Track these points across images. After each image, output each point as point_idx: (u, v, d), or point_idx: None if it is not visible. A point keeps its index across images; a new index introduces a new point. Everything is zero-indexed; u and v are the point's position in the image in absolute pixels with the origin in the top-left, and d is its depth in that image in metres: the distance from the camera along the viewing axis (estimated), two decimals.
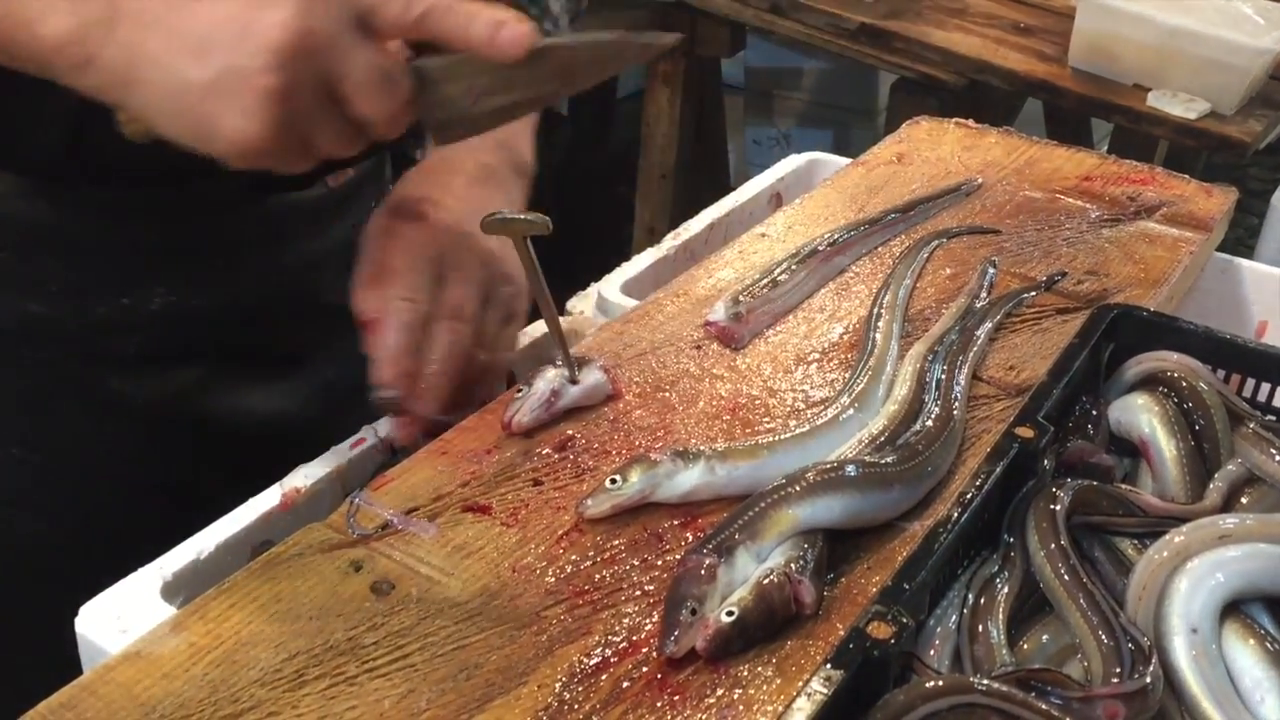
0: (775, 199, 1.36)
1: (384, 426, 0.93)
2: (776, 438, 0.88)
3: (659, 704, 0.70)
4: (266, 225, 1.01)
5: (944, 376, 0.95)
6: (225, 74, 0.69)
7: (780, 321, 1.06)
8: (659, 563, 0.80)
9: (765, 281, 1.07)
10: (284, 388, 1.10)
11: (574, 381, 0.92)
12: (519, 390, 0.92)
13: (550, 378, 0.91)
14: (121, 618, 0.76)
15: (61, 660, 0.75)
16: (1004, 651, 0.72)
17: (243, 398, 1.08)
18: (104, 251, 0.96)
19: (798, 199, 1.29)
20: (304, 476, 0.88)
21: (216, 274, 1.02)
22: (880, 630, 0.67)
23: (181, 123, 0.71)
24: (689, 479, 0.83)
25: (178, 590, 0.79)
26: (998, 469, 0.80)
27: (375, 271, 0.89)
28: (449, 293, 0.90)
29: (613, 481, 0.83)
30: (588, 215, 1.03)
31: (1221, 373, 0.95)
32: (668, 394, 0.96)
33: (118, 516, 1.03)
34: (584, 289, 1.17)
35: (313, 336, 1.09)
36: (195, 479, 1.05)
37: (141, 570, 0.80)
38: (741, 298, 1.04)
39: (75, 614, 0.78)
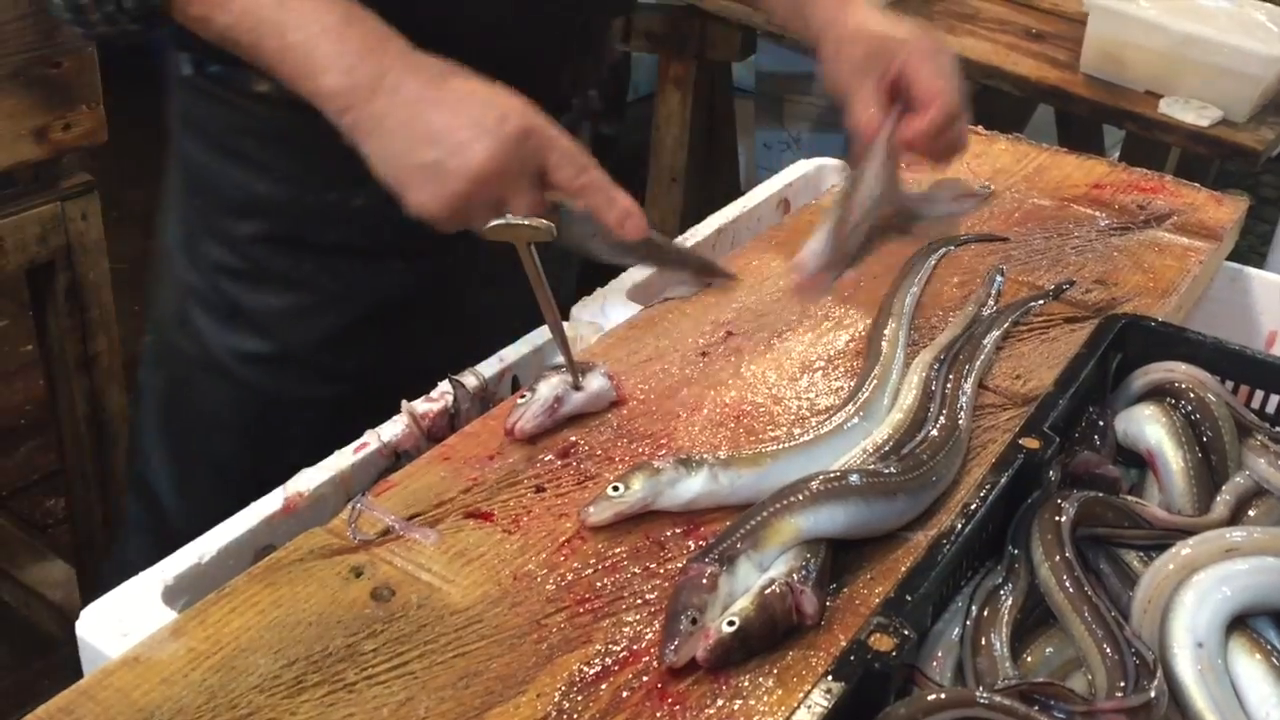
0: (784, 204, 1.36)
1: (387, 430, 0.93)
2: (780, 446, 0.87)
3: (659, 714, 0.69)
4: None
5: (950, 385, 0.95)
6: (435, 166, 0.91)
7: (791, 332, 1.06)
8: (661, 571, 0.79)
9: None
10: (456, 317, 1.21)
11: (577, 388, 0.92)
12: (522, 396, 0.91)
13: (554, 384, 0.91)
14: (123, 621, 0.76)
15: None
16: (1007, 664, 0.71)
17: (419, 315, 1.20)
18: (323, 150, 1.04)
19: (806, 204, 1.28)
20: (307, 480, 0.88)
21: None
22: (882, 642, 0.66)
23: (388, 175, 0.93)
24: (692, 487, 0.83)
25: (179, 594, 0.79)
26: (1003, 479, 0.79)
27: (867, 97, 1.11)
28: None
29: (615, 489, 0.82)
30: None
31: (1230, 384, 0.95)
32: (672, 401, 0.96)
33: (293, 395, 1.20)
34: (590, 294, 1.16)
35: (498, 269, 1.12)
36: (366, 377, 1.19)
37: (143, 574, 0.80)
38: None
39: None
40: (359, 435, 0.93)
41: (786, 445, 0.87)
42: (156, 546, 0.91)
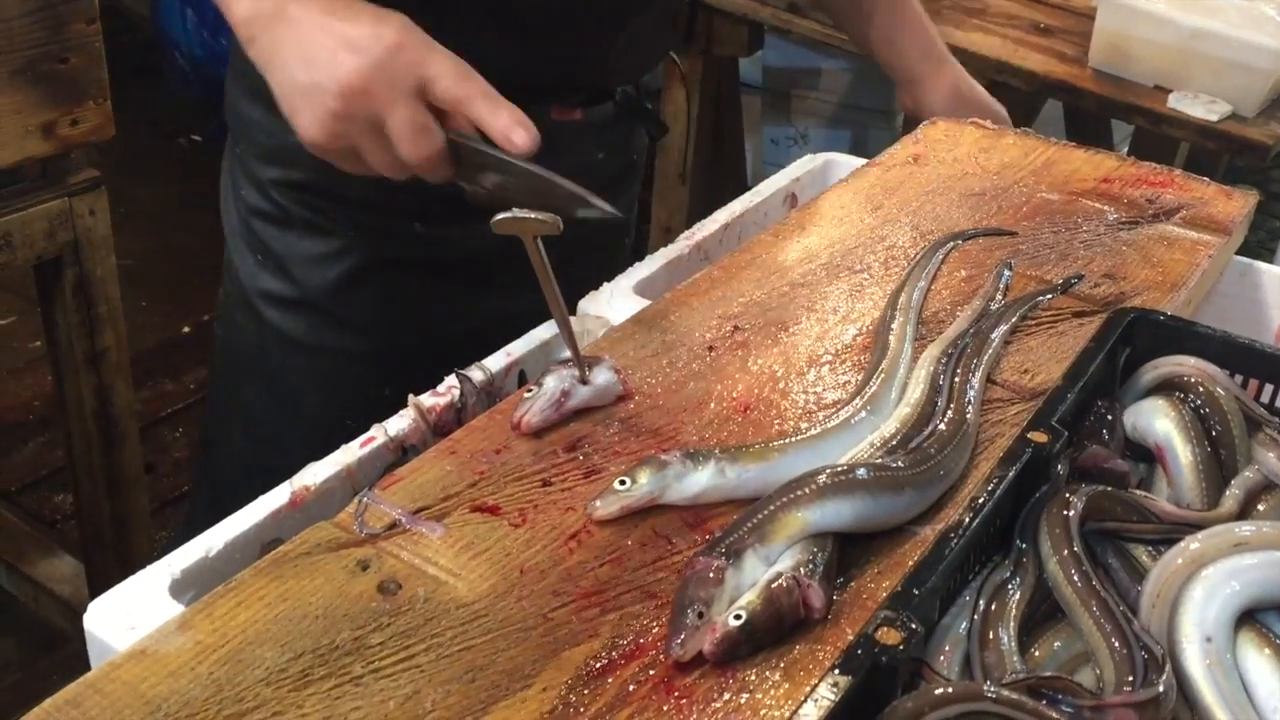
0: (790, 199, 1.35)
1: (394, 425, 0.93)
2: (787, 440, 0.87)
3: (665, 707, 0.69)
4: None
5: (958, 379, 0.95)
6: (311, 86, 0.92)
7: (798, 326, 1.06)
8: (667, 565, 0.79)
9: None
10: (479, 278, 1.26)
11: (584, 381, 0.92)
12: (529, 390, 0.91)
13: (560, 378, 0.91)
14: (130, 615, 0.76)
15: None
16: (1015, 658, 0.71)
17: (438, 275, 1.25)
18: None
19: (813, 199, 1.28)
20: (313, 475, 0.88)
21: None
22: (889, 636, 0.66)
23: (283, 105, 0.95)
24: (699, 481, 0.83)
25: (186, 587, 0.79)
26: (1011, 473, 0.79)
27: None
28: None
29: (622, 483, 0.82)
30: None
31: (1239, 378, 0.94)
32: (679, 395, 0.95)
33: (313, 344, 1.27)
34: (598, 289, 1.16)
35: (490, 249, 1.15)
36: (390, 330, 1.26)
37: (150, 567, 0.80)
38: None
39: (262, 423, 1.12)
40: (369, 392, 0.94)
41: (793, 439, 0.87)
42: (208, 501, 0.96)
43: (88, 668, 0.73)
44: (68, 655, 2.19)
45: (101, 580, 2.01)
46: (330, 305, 1.26)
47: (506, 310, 1.10)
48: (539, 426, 0.90)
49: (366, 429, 0.92)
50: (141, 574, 0.79)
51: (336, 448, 0.90)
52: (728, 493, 0.84)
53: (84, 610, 0.78)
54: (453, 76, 0.93)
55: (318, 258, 1.25)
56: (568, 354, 0.94)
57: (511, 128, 0.92)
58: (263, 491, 0.86)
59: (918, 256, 1.15)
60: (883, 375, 0.95)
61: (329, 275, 1.25)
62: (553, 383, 0.91)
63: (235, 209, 1.30)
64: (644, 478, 0.82)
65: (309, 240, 1.25)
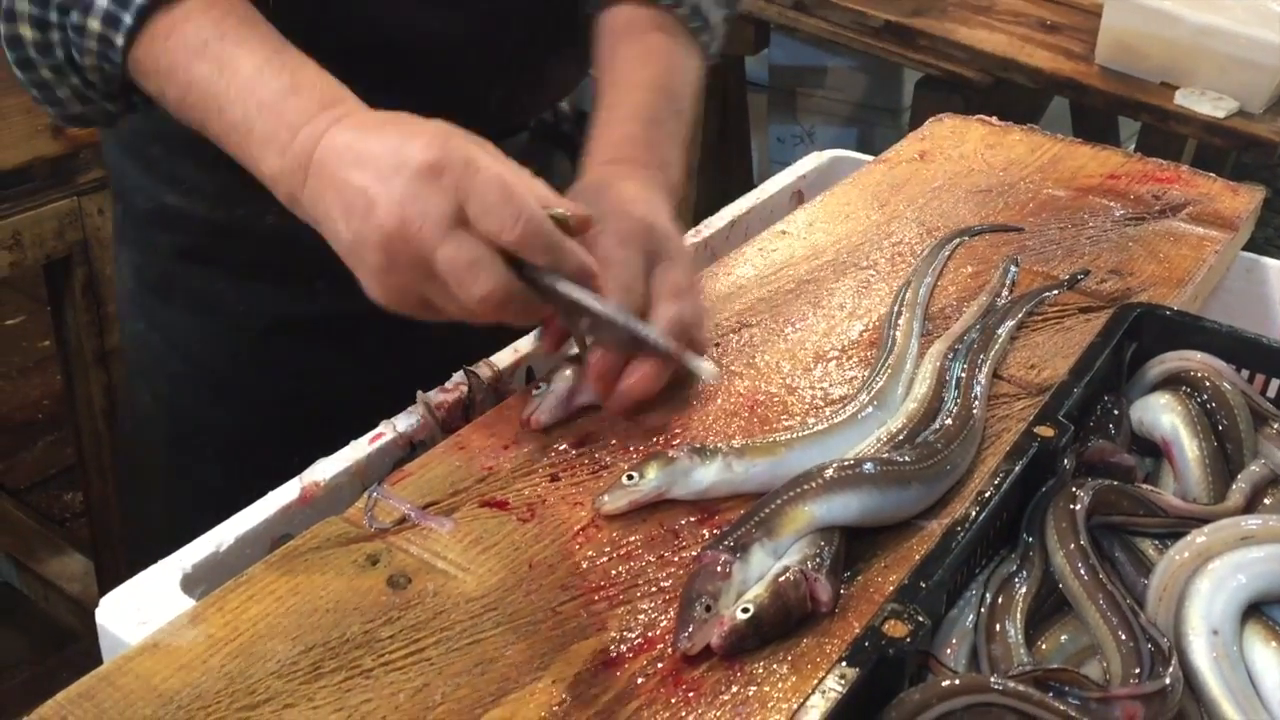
0: (797, 196, 1.36)
1: (402, 421, 0.93)
2: (794, 435, 0.87)
3: (673, 700, 0.69)
4: None
5: (964, 375, 0.95)
6: (355, 240, 0.80)
7: (804, 322, 1.06)
8: (675, 559, 0.80)
9: None
10: (377, 346, 1.12)
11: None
12: (537, 388, 0.92)
13: (569, 375, 0.91)
14: (141, 609, 0.77)
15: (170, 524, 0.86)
16: (1022, 651, 0.71)
17: (341, 338, 1.12)
18: (228, 163, 0.99)
19: (819, 196, 1.29)
20: (323, 470, 0.88)
21: None
22: (896, 629, 0.66)
23: (347, 263, 0.82)
24: (706, 476, 0.83)
25: (197, 582, 0.80)
26: (1017, 468, 0.79)
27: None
28: (672, 278, 0.90)
29: (630, 478, 0.83)
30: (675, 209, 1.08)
31: (1246, 373, 0.94)
32: (686, 390, 0.96)
33: (205, 416, 1.15)
34: None
35: None
36: (285, 404, 1.13)
37: (161, 562, 0.80)
38: None
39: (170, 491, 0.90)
40: (273, 466, 0.85)
41: (801, 434, 0.87)
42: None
43: (98, 665, 0.73)
44: (77, 653, 2.20)
45: (111, 578, 2.02)
46: (223, 376, 1.13)
47: (414, 368, 0.96)
48: (548, 424, 0.90)
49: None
50: (153, 569, 0.80)
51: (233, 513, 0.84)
52: (735, 487, 0.84)
53: (94, 608, 0.78)
54: (500, 215, 0.77)
55: (211, 331, 1.12)
56: (575, 350, 0.94)
57: (582, 277, 0.82)
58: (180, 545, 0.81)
59: (924, 252, 1.15)
60: (889, 370, 0.95)
61: (223, 351, 1.12)
62: (562, 382, 0.91)
63: (122, 273, 1.17)
64: (652, 473, 0.83)
65: (200, 314, 1.11)
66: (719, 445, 0.85)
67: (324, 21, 0.91)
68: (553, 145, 1.22)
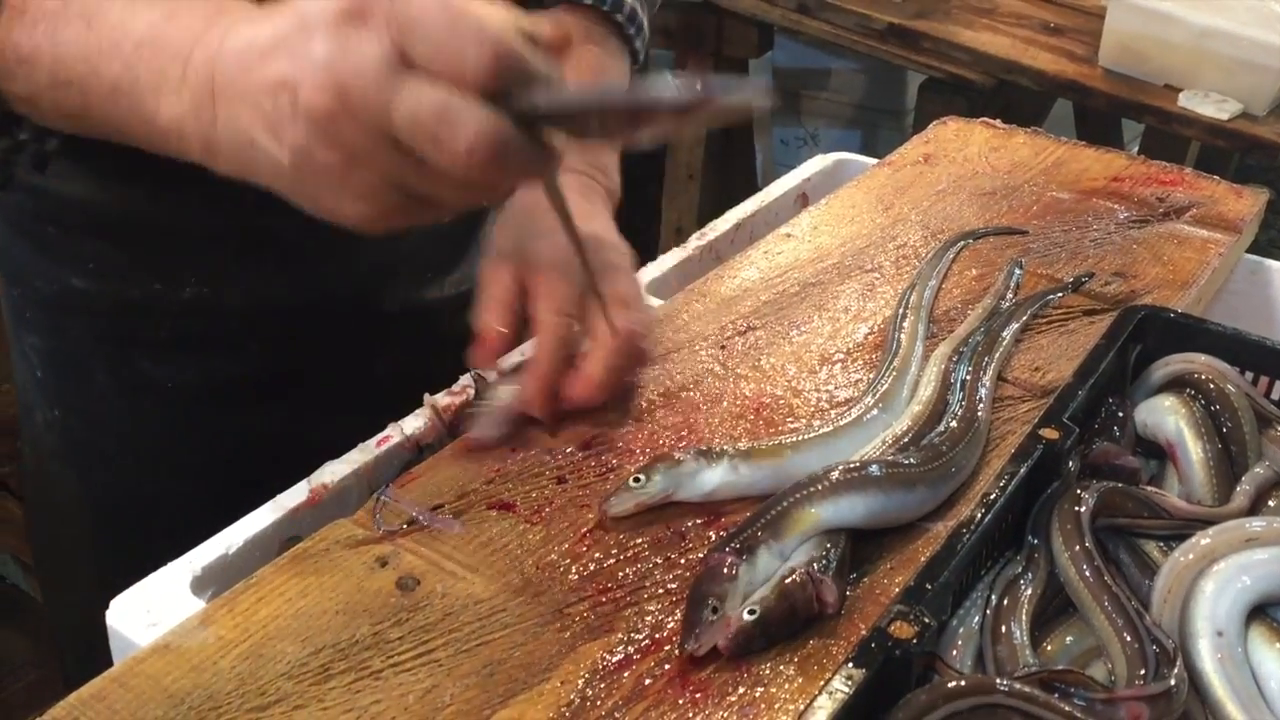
0: (801, 199, 1.36)
1: (410, 424, 0.94)
2: (800, 437, 0.88)
3: (680, 701, 0.70)
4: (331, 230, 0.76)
5: (969, 377, 0.95)
6: (297, 154, 0.62)
7: (809, 325, 1.06)
8: (682, 561, 0.80)
9: None
10: (323, 396, 1.09)
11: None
12: (472, 405, 0.91)
13: (506, 391, 0.91)
14: (151, 611, 0.77)
15: (91, 624, 0.76)
16: (1027, 652, 0.72)
17: (275, 397, 1.07)
18: (141, 237, 0.96)
19: (824, 199, 1.29)
20: (331, 473, 0.89)
21: (249, 270, 1.01)
22: (902, 630, 0.67)
23: (303, 203, 0.66)
24: (712, 479, 0.84)
25: (207, 584, 0.80)
26: (1022, 470, 0.80)
27: (502, 294, 0.89)
28: (615, 287, 0.88)
29: (636, 480, 0.83)
30: (615, 215, 1.05)
31: (1250, 375, 0.95)
32: (692, 393, 0.96)
33: (144, 493, 1.07)
34: None
35: (363, 344, 1.08)
36: (224, 468, 1.06)
37: (171, 564, 0.81)
38: None
39: (104, 573, 0.79)
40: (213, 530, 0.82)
41: (806, 436, 0.88)
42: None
43: (106, 667, 0.74)
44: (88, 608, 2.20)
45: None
46: (163, 452, 1.05)
47: (355, 419, 0.90)
48: (490, 442, 0.89)
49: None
50: (162, 571, 0.80)
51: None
52: (741, 490, 0.84)
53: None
54: (447, 38, 0.60)
55: (136, 410, 1.04)
56: (515, 361, 0.93)
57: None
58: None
59: (929, 255, 1.16)
60: (894, 373, 0.96)
61: (153, 423, 1.04)
62: (498, 399, 0.90)
63: (25, 360, 1.07)
64: (658, 475, 0.83)
65: (121, 395, 1.03)
66: (725, 448, 0.85)
67: None
68: None
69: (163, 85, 0.66)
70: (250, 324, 1.00)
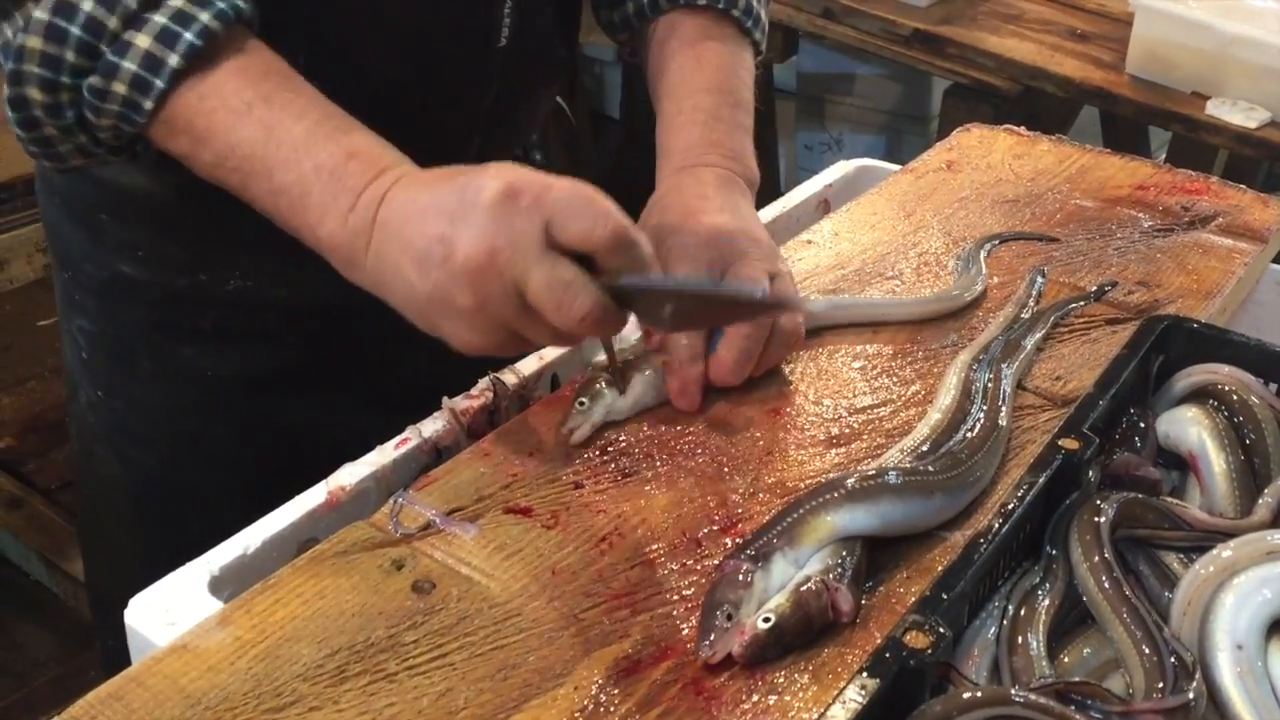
0: (823, 205, 1.36)
1: (428, 427, 0.94)
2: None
3: (695, 708, 0.70)
4: None
5: (989, 385, 0.95)
6: (437, 290, 0.78)
7: (829, 331, 1.06)
8: (697, 567, 0.80)
9: None
10: (352, 392, 1.11)
11: (621, 390, 0.93)
12: (581, 402, 0.91)
13: (610, 395, 0.92)
14: (170, 611, 0.78)
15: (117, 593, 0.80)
16: (1044, 664, 0.71)
17: (309, 391, 1.10)
18: (192, 230, 1.00)
19: (845, 206, 1.29)
20: (349, 475, 0.89)
21: (291, 270, 1.01)
22: (917, 640, 0.66)
23: (420, 323, 0.82)
24: (633, 388, 0.92)
25: (225, 585, 0.81)
26: (1041, 480, 0.79)
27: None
28: (740, 274, 0.93)
29: (580, 404, 0.89)
30: (637, 218, 1.06)
31: (1274, 386, 0.94)
32: (710, 399, 0.96)
33: (178, 477, 1.11)
34: None
35: (395, 344, 1.06)
36: (256, 458, 1.09)
37: (190, 564, 0.81)
38: None
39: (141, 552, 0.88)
40: (248, 519, 0.84)
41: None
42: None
43: (125, 664, 0.74)
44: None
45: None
46: (200, 440, 1.10)
47: (389, 414, 0.95)
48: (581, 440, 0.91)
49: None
50: (181, 571, 0.81)
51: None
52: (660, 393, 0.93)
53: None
54: (586, 218, 0.77)
55: (177, 396, 1.08)
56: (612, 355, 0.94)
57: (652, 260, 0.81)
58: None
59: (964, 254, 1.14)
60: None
61: (192, 411, 1.09)
62: (604, 402, 0.91)
63: (72, 342, 1.12)
64: (600, 397, 0.90)
65: (163, 380, 1.08)
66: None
67: (319, 68, 0.88)
68: None
69: (330, 208, 0.81)
70: (290, 319, 1.04)
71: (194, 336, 1.06)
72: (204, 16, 0.81)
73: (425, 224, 0.78)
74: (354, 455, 0.90)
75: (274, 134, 0.81)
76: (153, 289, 1.05)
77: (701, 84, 1.06)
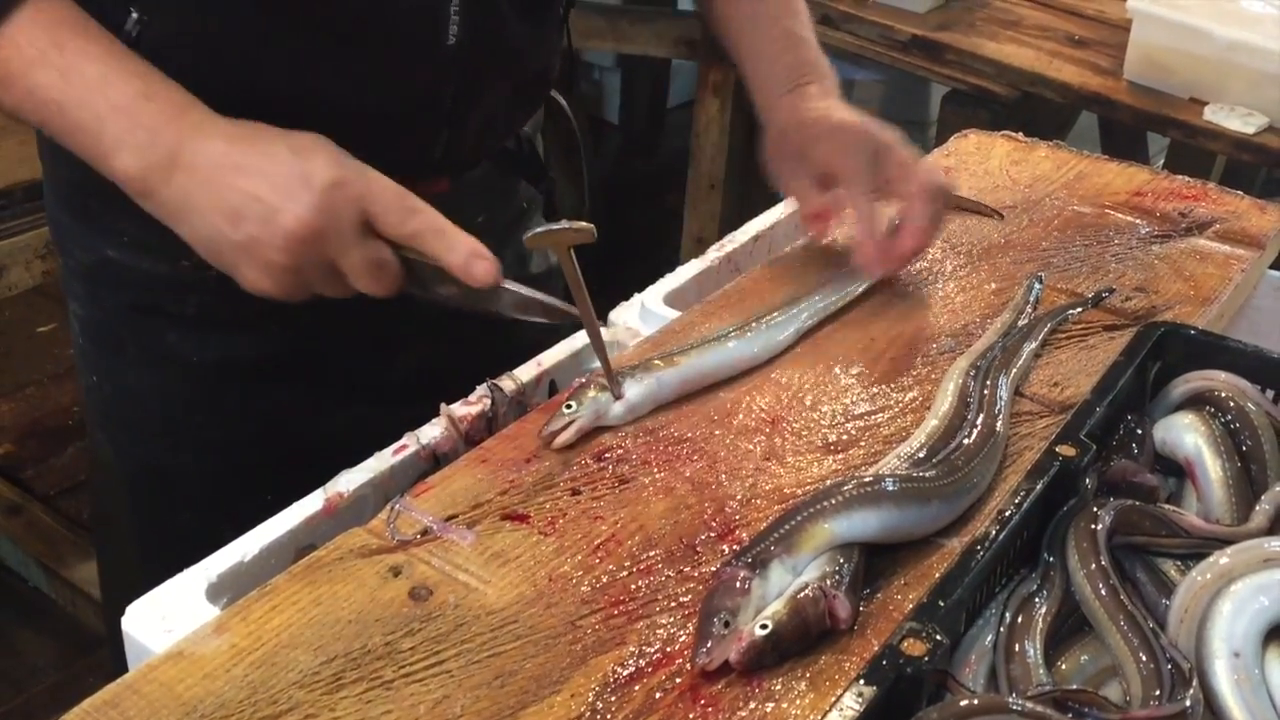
0: None
1: (426, 433, 0.94)
2: (689, 345, 0.98)
3: (691, 715, 0.70)
4: None
5: (986, 392, 0.95)
6: (250, 242, 0.85)
7: (825, 338, 1.06)
8: (695, 574, 0.80)
9: None
10: (339, 383, 1.13)
11: (617, 397, 0.93)
12: (567, 405, 0.92)
13: (599, 401, 0.92)
14: (166, 618, 0.78)
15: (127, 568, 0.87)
16: (1041, 671, 0.71)
17: (295, 380, 1.11)
18: None
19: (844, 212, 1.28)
20: (347, 481, 0.89)
21: None
22: (914, 647, 0.66)
23: (213, 259, 0.89)
24: (630, 394, 0.92)
25: (222, 591, 0.81)
26: (1038, 486, 0.79)
27: (820, 176, 1.10)
28: (899, 155, 1.08)
29: (568, 407, 0.90)
30: (637, 225, 1.05)
31: (1271, 393, 0.94)
32: (707, 406, 0.96)
33: (167, 464, 1.13)
34: (628, 299, 1.17)
35: (385, 336, 1.10)
36: (244, 448, 1.11)
37: (187, 571, 0.81)
38: None
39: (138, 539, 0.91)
40: (243, 503, 0.86)
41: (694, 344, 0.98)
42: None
43: (123, 670, 0.74)
44: (103, 658, 2.22)
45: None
46: (184, 427, 1.13)
47: (376, 400, 1.00)
48: (565, 445, 0.91)
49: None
50: (178, 578, 0.81)
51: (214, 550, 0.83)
52: (657, 398, 0.95)
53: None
54: (398, 210, 0.87)
55: (161, 381, 1.11)
56: (611, 363, 0.94)
57: (471, 262, 0.87)
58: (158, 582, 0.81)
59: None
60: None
61: (176, 397, 1.11)
62: (590, 407, 0.91)
63: (74, 328, 1.16)
64: (588, 398, 0.91)
65: (148, 366, 1.11)
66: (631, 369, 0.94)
67: (261, 85, 0.94)
68: (512, 172, 1.22)
69: (126, 142, 0.86)
70: (272, 308, 1.04)
71: (178, 322, 1.09)
72: None
73: (241, 180, 0.85)
74: (344, 446, 0.91)
75: (68, 76, 0.87)
76: (136, 274, 1.07)
77: (768, 14, 1.20)
